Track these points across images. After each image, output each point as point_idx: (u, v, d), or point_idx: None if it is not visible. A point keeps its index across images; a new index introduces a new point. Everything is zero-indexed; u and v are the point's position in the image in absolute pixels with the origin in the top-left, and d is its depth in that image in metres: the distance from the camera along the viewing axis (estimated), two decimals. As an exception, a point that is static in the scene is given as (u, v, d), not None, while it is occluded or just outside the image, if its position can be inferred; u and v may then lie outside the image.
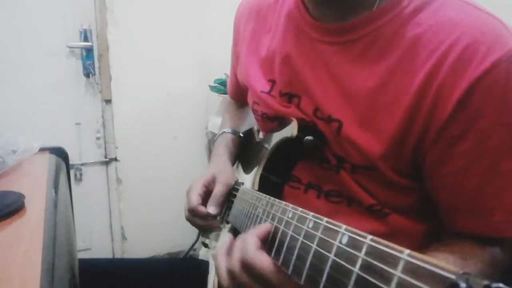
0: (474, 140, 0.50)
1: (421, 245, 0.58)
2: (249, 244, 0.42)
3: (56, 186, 0.80)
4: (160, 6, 1.81)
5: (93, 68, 1.76)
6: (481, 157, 0.50)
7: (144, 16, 1.80)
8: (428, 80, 0.50)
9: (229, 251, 0.46)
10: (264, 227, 0.44)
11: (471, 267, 0.51)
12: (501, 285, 0.19)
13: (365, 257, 0.28)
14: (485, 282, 0.19)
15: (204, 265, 0.75)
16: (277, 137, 0.65)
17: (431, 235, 0.61)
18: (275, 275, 0.40)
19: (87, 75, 1.76)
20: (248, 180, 0.71)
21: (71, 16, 1.70)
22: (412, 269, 0.23)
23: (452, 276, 0.21)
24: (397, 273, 0.24)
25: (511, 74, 0.48)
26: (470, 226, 0.54)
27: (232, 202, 0.69)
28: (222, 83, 1.76)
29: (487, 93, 0.48)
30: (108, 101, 1.82)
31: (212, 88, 1.82)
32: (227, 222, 0.71)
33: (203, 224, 0.71)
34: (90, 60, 1.75)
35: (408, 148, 0.54)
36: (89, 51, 1.74)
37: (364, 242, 0.28)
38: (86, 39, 1.73)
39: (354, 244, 0.29)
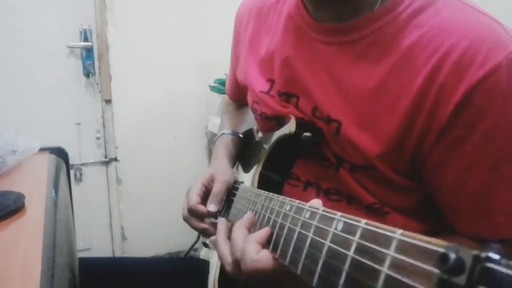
0: (475, 142, 0.50)
1: None
2: (247, 253, 0.43)
3: (56, 186, 0.80)
4: (160, 6, 1.81)
5: (93, 68, 1.76)
6: (482, 159, 0.50)
7: (144, 16, 1.80)
8: (428, 82, 0.50)
9: (229, 235, 0.49)
10: (262, 234, 0.45)
11: None
12: (490, 254, 0.19)
13: (359, 240, 0.28)
14: (475, 252, 0.19)
15: (205, 264, 0.75)
16: (276, 135, 0.65)
17: (431, 235, 0.61)
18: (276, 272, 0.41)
19: (87, 75, 1.76)
20: (248, 178, 0.71)
21: (71, 16, 1.70)
22: (404, 248, 0.24)
23: (442, 249, 0.21)
24: (390, 252, 0.24)
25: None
26: (473, 228, 0.54)
27: (232, 201, 0.69)
28: (222, 83, 1.76)
29: (488, 96, 0.48)
30: (108, 101, 1.82)
31: (212, 88, 1.82)
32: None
33: (199, 227, 0.70)
34: (90, 60, 1.75)
35: (408, 149, 0.54)
36: (89, 51, 1.74)
37: (358, 226, 0.28)
38: (86, 39, 1.73)
39: (349, 229, 0.29)
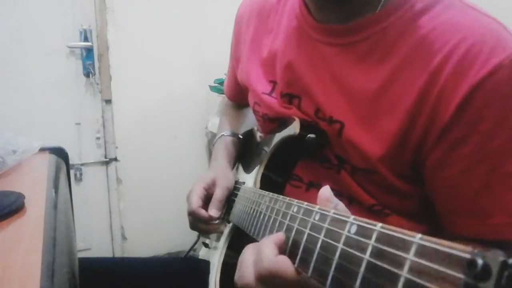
0: (475, 143, 0.50)
1: None
2: (265, 253, 0.38)
3: (56, 186, 0.80)
4: (160, 6, 1.81)
5: (93, 68, 1.76)
6: (482, 159, 0.50)
7: (144, 16, 1.80)
8: (430, 82, 0.50)
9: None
10: (279, 236, 0.40)
11: None
12: None
13: (375, 244, 0.27)
14: (502, 258, 0.19)
15: (205, 265, 0.75)
16: (278, 137, 0.64)
17: (431, 236, 0.61)
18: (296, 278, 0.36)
19: (87, 75, 1.77)
20: (250, 179, 0.70)
21: (71, 16, 1.70)
22: (425, 252, 0.23)
23: (468, 255, 0.21)
24: (410, 256, 0.24)
25: None
26: (471, 230, 0.54)
27: (233, 201, 0.69)
28: (222, 83, 1.75)
29: (489, 96, 0.48)
30: (108, 101, 1.82)
31: (212, 88, 1.82)
32: (228, 222, 0.71)
33: (205, 228, 0.71)
34: (90, 60, 1.75)
35: (409, 150, 0.54)
36: (89, 51, 1.74)
37: (374, 230, 0.28)
38: (86, 39, 1.73)
39: (364, 232, 0.29)
